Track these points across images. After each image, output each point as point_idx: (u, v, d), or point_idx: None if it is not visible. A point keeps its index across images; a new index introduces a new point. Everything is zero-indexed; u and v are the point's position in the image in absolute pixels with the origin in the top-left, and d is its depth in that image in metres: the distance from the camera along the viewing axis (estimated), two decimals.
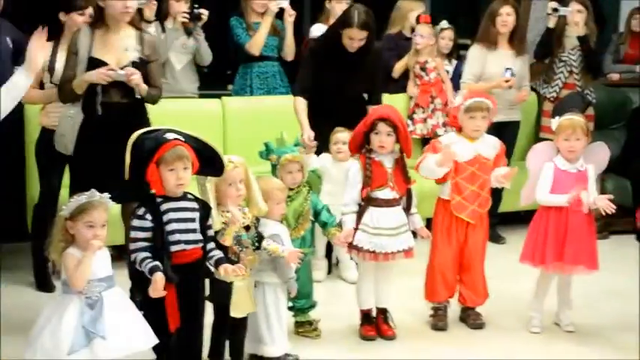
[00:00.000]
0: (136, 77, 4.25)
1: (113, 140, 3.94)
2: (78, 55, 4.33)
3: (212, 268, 3.50)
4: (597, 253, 4.48)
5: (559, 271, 4.47)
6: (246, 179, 3.71)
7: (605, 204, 4.30)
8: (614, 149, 6.71)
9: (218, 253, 3.50)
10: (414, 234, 4.39)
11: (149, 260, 3.30)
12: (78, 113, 4.37)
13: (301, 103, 5.24)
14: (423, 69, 6.40)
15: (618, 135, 6.97)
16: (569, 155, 4.40)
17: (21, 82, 3.73)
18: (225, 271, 3.44)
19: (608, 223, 6.47)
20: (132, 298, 3.42)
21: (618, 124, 7.22)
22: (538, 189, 4.44)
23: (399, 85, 6.64)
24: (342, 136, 5.06)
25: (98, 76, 4.24)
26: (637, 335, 4.44)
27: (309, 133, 5.08)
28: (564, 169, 4.42)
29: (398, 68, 6.65)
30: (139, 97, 4.36)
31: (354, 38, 5.05)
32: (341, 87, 5.17)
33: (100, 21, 4.35)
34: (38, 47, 3.75)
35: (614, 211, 4.31)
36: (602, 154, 4.54)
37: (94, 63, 4.29)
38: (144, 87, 4.32)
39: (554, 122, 4.50)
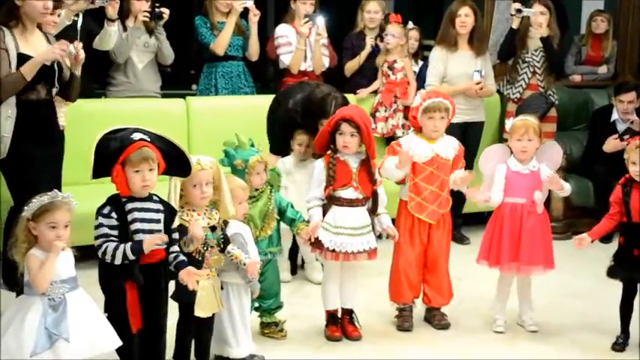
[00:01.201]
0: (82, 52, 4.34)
1: (45, 138, 3.93)
2: (8, 52, 4.29)
3: (173, 269, 3.47)
4: (553, 252, 4.53)
5: (515, 271, 4.50)
6: (216, 182, 3.68)
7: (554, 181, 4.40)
8: (575, 150, 6.84)
9: (180, 257, 3.47)
10: (380, 236, 4.39)
11: (121, 244, 3.28)
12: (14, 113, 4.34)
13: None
14: (390, 68, 6.41)
15: (580, 136, 7.04)
16: (521, 156, 4.44)
17: None
18: (187, 275, 3.41)
19: (570, 224, 6.54)
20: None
21: (580, 125, 7.29)
22: (492, 191, 4.47)
23: (353, 84, 6.67)
24: (304, 137, 5.10)
25: (52, 52, 4.25)
26: (599, 334, 4.48)
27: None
28: (517, 170, 4.46)
29: (350, 67, 6.68)
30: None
31: None
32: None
33: (14, 19, 4.32)
34: None
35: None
36: (554, 152, 4.58)
37: (24, 58, 4.28)
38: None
39: (509, 123, 4.55)
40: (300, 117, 5.07)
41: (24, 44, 4.33)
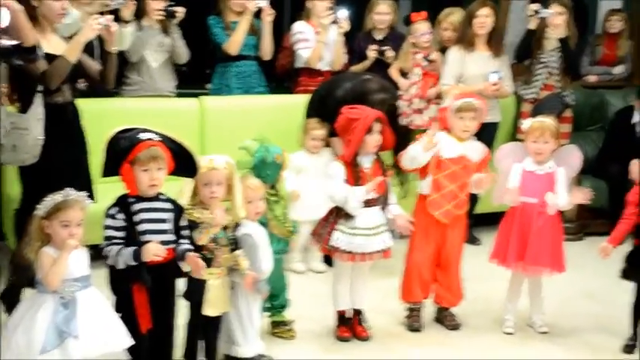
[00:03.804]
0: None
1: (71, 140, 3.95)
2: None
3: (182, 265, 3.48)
4: (563, 254, 4.51)
5: (521, 271, 4.50)
6: (229, 182, 3.69)
7: (582, 197, 4.38)
8: (590, 151, 6.82)
9: (186, 246, 3.47)
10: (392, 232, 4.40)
11: (124, 247, 3.30)
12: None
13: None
14: (426, 59, 6.36)
15: (595, 137, 7.02)
16: (536, 157, 4.44)
17: None
18: (191, 261, 3.41)
19: (583, 224, 6.53)
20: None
21: (595, 125, 7.27)
22: (507, 188, 4.47)
23: None
24: (319, 132, 5.20)
25: (91, 28, 4.33)
26: (610, 336, 4.48)
27: None
28: (532, 170, 4.45)
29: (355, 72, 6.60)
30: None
31: None
32: None
33: (32, 20, 4.27)
34: None
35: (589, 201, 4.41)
36: (574, 157, 4.56)
37: (50, 57, 4.29)
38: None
39: (526, 123, 4.53)
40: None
41: (46, 44, 4.33)
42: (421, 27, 6.29)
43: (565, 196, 4.44)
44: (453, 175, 4.46)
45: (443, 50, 6.44)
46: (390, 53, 6.50)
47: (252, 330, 3.94)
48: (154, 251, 3.31)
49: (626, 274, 4.34)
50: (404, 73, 6.39)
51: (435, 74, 6.35)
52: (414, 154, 4.38)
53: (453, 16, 6.52)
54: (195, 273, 3.47)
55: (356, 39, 6.73)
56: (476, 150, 4.53)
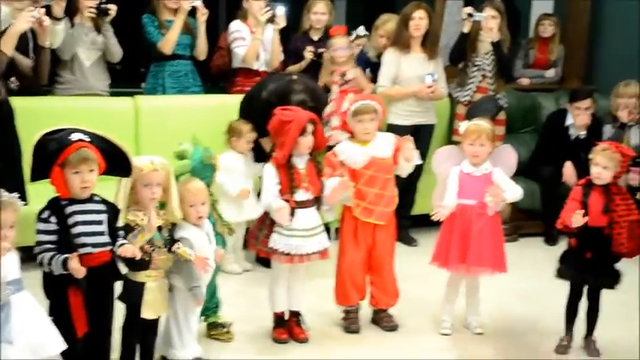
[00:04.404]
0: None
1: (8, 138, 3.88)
2: None
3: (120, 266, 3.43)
4: (504, 255, 4.55)
5: (464, 272, 4.53)
6: (165, 183, 3.64)
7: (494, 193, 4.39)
8: (523, 153, 6.89)
9: (122, 240, 3.42)
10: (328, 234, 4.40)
11: (57, 255, 3.23)
12: None
13: None
14: (342, 77, 6.30)
15: (528, 139, 7.11)
16: (473, 160, 4.47)
17: None
18: (126, 251, 3.37)
19: (517, 226, 6.61)
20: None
21: (528, 128, 7.36)
22: (446, 193, 4.49)
23: None
24: (254, 134, 5.21)
25: (25, 20, 4.30)
26: (545, 337, 4.53)
27: None
28: (469, 172, 4.49)
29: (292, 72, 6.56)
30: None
31: None
32: None
33: None
34: None
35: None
36: (509, 157, 4.61)
37: None
38: None
39: (463, 126, 4.56)
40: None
41: None
42: (337, 42, 6.12)
43: (515, 188, 4.48)
44: (371, 179, 4.47)
45: (380, 56, 6.45)
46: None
47: (189, 333, 3.89)
48: (77, 270, 3.23)
49: (561, 273, 4.39)
50: (328, 89, 6.17)
51: (355, 90, 6.32)
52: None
53: (389, 23, 6.53)
54: (135, 253, 3.42)
55: (293, 39, 6.71)
56: (384, 145, 4.53)
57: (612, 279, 4.30)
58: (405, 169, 4.55)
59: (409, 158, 4.46)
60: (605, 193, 4.23)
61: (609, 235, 4.20)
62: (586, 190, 4.27)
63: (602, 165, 4.22)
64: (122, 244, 3.41)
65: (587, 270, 4.27)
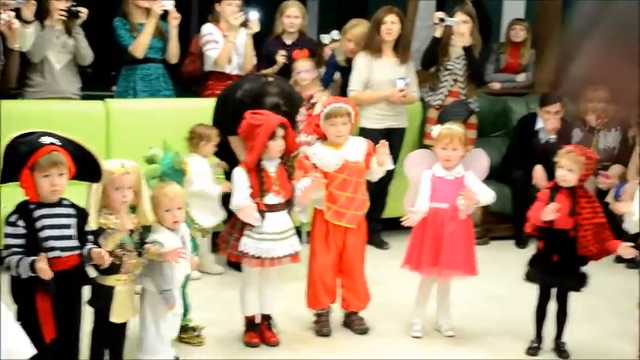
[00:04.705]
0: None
1: None
2: None
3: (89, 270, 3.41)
4: (475, 258, 4.57)
5: (435, 276, 4.54)
6: (136, 186, 3.63)
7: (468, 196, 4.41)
8: (494, 157, 6.91)
9: (90, 245, 3.39)
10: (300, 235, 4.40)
11: (24, 258, 3.20)
12: None
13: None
14: (309, 101, 6.27)
15: (499, 143, 7.15)
16: (445, 164, 4.49)
17: None
18: (98, 254, 3.34)
19: (488, 229, 6.64)
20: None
21: (499, 132, 7.42)
22: (418, 196, 4.51)
23: None
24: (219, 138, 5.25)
25: None
26: (515, 339, 4.55)
27: None
28: (441, 175, 4.50)
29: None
30: None
31: None
32: None
33: None
34: None
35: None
36: (481, 160, 4.63)
37: None
38: None
39: (435, 130, 4.58)
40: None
41: None
42: (301, 65, 6.09)
43: (487, 191, 4.51)
44: (343, 183, 4.48)
45: (349, 60, 6.46)
46: None
47: (160, 337, 3.87)
48: (44, 271, 3.21)
49: (529, 276, 4.42)
50: None
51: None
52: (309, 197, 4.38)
53: (357, 28, 6.53)
54: (100, 263, 3.39)
55: (265, 43, 6.71)
56: (356, 148, 4.54)
57: (578, 281, 4.33)
58: (377, 174, 4.56)
59: (383, 163, 4.47)
60: (571, 196, 4.26)
61: (575, 237, 4.23)
62: (552, 193, 4.30)
63: (567, 168, 4.26)
64: (91, 249, 3.39)
65: (554, 273, 4.31)
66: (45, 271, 3.20)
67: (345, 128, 4.50)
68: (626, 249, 4.23)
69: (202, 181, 5.15)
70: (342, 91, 6.53)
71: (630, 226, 4.66)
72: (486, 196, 4.51)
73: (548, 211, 4.19)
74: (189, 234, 4.05)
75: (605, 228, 4.26)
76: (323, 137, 4.56)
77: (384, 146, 4.47)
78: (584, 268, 4.33)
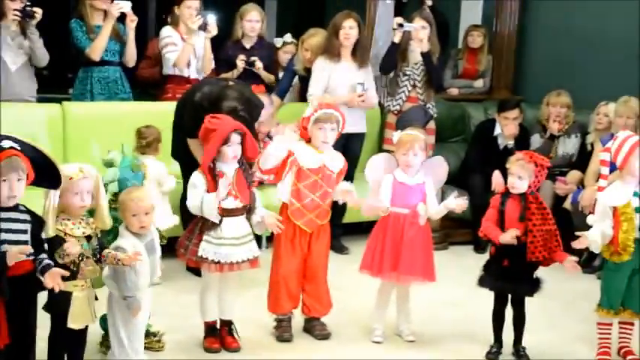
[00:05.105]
0: None
1: None
2: None
3: (40, 277, 3.32)
4: (434, 264, 4.58)
5: (395, 281, 4.54)
6: (94, 190, 3.58)
7: (457, 204, 4.45)
8: (453, 162, 6.96)
9: (45, 261, 3.32)
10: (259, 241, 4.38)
11: None
12: None
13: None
14: (268, 136, 6.16)
15: (457, 148, 7.19)
16: (406, 170, 4.50)
17: None
18: (52, 277, 3.26)
19: (447, 234, 6.67)
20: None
21: (457, 137, 7.46)
22: (379, 198, 4.50)
23: None
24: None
25: None
26: (475, 343, 4.57)
27: None
28: (402, 181, 4.51)
29: None
30: None
31: None
32: None
33: None
34: None
35: (465, 207, 4.48)
36: (441, 168, 4.65)
37: None
38: None
39: (396, 135, 4.58)
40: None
41: None
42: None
43: (436, 206, 4.54)
44: (314, 185, 4.48)
45: (307, 70, 6.45)
46: (258, 64, 6.49)
47: (128, 341, 3.81)
48: (20, 252, 3.16)
49: (483, 282, 4.43)
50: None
51: None
52: (273, 149, 4.42)
53: (314, 38, 6.54)
54: (54, 287, 3.30)
55: (225, 47, 6.68)
56: (335, 160, 4.57)
57: (530, 287, 4.36)
58: (338, 197, 4.55)
59: (343, 197, 4.52)
60: (522, 202, 4.29)
61: (524, 243, 4.25)
62: (504, 199, 4.34)
63: (517, 174, 4.29)
64: (45, 265, 3.30)
65: (506, 278, 4.32)
66: (13, 255, 3.14)
67: (332, 135, 4.51)
68: (570, 263, 4.26)
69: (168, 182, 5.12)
70: (302, 97, 6.54)
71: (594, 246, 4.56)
72: (432, 209, 4.52)
73: (506, 236, 4.22)
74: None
75: (554, 236, 4.28)
76: (307, 141, 4.54)
77: (350, 193, 4.50)
78: (538, 274, 4.35)
